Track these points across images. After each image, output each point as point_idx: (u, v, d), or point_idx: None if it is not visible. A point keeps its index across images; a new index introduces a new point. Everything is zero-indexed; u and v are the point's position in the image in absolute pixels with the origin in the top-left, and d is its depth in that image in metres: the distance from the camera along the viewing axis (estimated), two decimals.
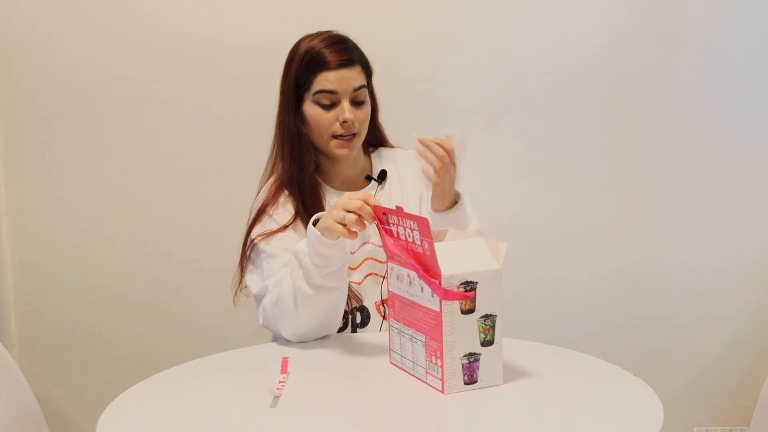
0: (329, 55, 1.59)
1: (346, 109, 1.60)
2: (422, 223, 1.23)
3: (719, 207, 2.34)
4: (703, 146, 2.31)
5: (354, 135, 1.63)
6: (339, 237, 1.40)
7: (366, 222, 1.37)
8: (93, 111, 2.26)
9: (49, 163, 2.29)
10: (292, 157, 1.64)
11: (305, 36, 1.66)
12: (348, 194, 1.40)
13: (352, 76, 1.60)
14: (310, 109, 1.62)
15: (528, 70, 2.28)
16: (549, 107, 2.29)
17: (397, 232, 1.31)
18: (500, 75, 2.28)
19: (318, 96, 1.60)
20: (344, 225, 1.38)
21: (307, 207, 1.63)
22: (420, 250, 1.25)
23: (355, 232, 1.39)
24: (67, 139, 2.27)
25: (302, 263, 1.46)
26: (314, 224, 1.44)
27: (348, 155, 1.65)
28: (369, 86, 1.68)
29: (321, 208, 1.62)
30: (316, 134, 1.64)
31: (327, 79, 1.59)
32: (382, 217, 1.34)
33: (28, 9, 2.22)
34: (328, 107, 1.61)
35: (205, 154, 2.27)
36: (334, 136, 1.63)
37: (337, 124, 1.61)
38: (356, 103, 1.62)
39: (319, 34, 1.65)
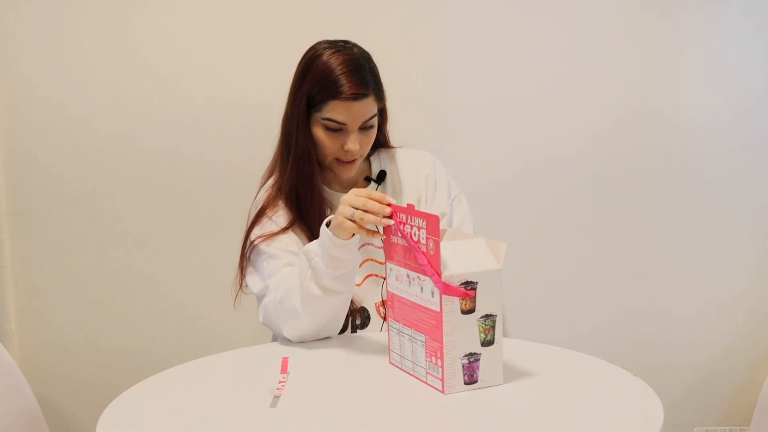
0: (344, 86, 1.54)
1: (351, 141, 1.58)
2: (432, 220, 1.23)
3: (719, 207, 2.34)
4: (702, 145, 2.32)
5: (355, 159, 1.63)
6: (351, 235, 1.40)
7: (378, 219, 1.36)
8: (94, 111, 2.26)
9: (49, 164, 2.29)
10: (297, 171, 1.62)
11: (324, 46, 1.60)
12: (354, 190, 1.40)
13: (364, 110, 1.57)
14: (317, 129, 1.60)
15: (527, 69, 2.28)
16: (546, 107, 2.29)
17: (402, 230, 1.31)
18: (498, 75, 2.28)
19: (326, 122, 1.58)
20: (354, 221, 1.38)
21: (310, 216, 1.63)
22: (424, 249, 1.25)
23: (369, 229, 1.38)
24: (67, 139, 2.27)
25: (312, 263, 1.45)
26: (327, 225, 1.44)
27: (349, 175, 1.66)
28: (380, 106, 1.65)
29: (323, 216, 1.61)
30: (319, 153, 1.63)
31: (337, 110, 1.56)
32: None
33: (32, 6, 2.22)
34: (334, 132, 1.59)
35: (206, 154, 2.27)
36: (336, 158, 1.63)
37: (342, 150, 1.60)
38: (364, 129, 1.61)
39: (338, 51, 1.58)
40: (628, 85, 2.29)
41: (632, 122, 2.30)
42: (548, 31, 2.27)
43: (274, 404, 1.22)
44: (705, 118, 2.31)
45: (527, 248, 2.32)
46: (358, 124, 1.58)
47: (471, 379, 1.24)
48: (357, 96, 1.55)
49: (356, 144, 1.58)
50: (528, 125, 2.30)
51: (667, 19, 2.26)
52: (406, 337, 1.32)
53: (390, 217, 1.34)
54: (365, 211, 1.36)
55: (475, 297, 1.23)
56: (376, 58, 1.64)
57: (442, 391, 1.24)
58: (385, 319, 1.66)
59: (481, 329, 1.24)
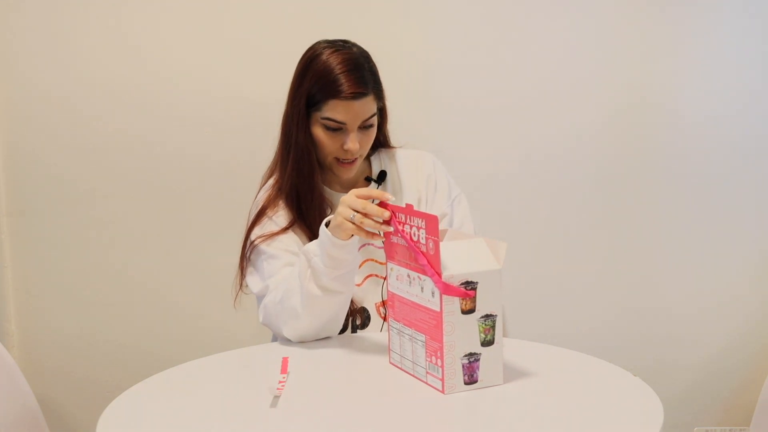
0: (343, 84, 1.54)
1: (350, 140, 1.58)
2: (430, 221, 1.23)
3: (719, 207, 2.34)
4: (703, 143, 2.32)
5: (356, 158, 1.63)
6: (350, 236, 1.40)
7: (378, 221, 1.36)
8: (94, 110, 2.26)
9: (49, 164, 2.28)
10: (298, 171, 1.62)
11: (323, 46, 1.61)
12: (354, 191, 1.39)
13: (363, 109, 1.57)
14: (317, 129, 1.60)
15: (527, 67, 2.28)
16: (546, 106, 2.29)
17: (402, 230, 1.31)
18: (497, 73, 2.28)
19: (326, 121, 1.58)
20: (354, 223, 1.38)
21: (310, 216, 1.63)
22: (424, 249, 1.25)
23: (368, 231, 1.38)
24: (67, 139, 2.27)
25: (312, 263, 1.45)
26: (326, 225, 1.44)
27: (349, 176, 1.66)
28: (380, 105, 1.65)
29: (324, 215, 1.61)
30: (319, 153, 1.64)
31: (337, 110, 1.56)
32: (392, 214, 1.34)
33: (32, 5, 2.22)
34: (334, 131, 1.59)
35: (206, 154, 2.27)
36: (336, 158, 1.63)
37: (341, 150, 1.60)
38: (363, 128, 1.61)
39: (337, 50, 1.59)
40: (629, 84, 2.28)
41: (632, 122, 2.30)
42: (548, 28, 2.27)
43: (274, 404, 1.22)
44: (706, 117, 2.30)
45: (527, 248, 2.32)
46: (358, 123, 1.58)
47: (471, 379, 1.24)
48: (356, 95, 1.55)
49: (356, 143, 1.58)
50: (528, 124, 2.29)
51: (667, 15, 2.26)
52: (407, 337, 1.32)
53: (389, 221, 1.33)
54: (364, 215, 1.36)
55: (475, 297, 1.23)
56: (377, 58, 1.64)
57: (442, 391, 1.24)
58: (385, 319, 1.66)
59: (481, 329, 1.24)
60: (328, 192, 1.69)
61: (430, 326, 1.25)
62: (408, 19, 2.25)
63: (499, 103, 2.29)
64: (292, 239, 1.62)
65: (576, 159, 2.31)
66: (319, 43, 1.63)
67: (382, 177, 1.72)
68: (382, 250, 1.65)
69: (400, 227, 1.30)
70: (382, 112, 1.69)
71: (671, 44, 2.27)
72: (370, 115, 1.59)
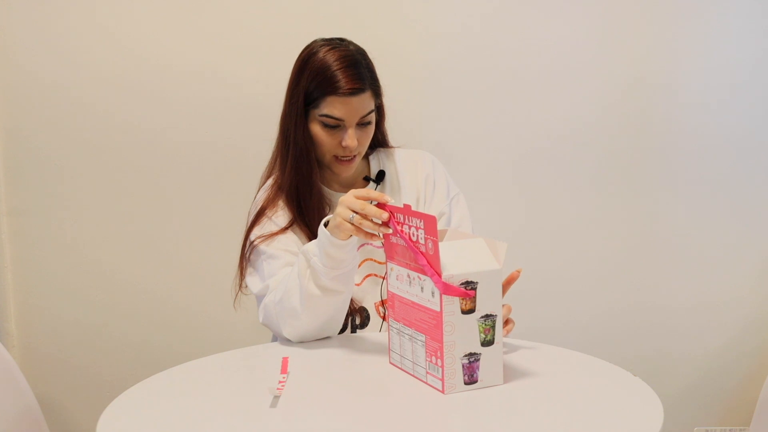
0: (340, 81, 1.55)
1: (349, 136, 1.58)
2: (429, 221, 1.23)
3: (719, 207, 2.34)
4: (702, 143, 2.32)
5: (354, 156, 1.63)
6: (349, 236, 1.40)
7: (376, 222, 1.36)
8: (94, 110, 2.26)
9: (49, 163, 2.29)
10: (297, 169, 1.63)
11: (320, 44, 1.61)
12: (353, 191, 1.39)
13: (361, 105, 1.58)
14: (315, 126, 1.61)
15: (526, 67, 2.28)
16: (547, 105, 2.29)
17: (401, 231, 1.31)
18: (497, 73, 2.28)
19: (324, 118, 1.59)
20: (353, 224, 1.38)
21: (310, 215, 1.63)
22: (423, 249, 1.25)
23: (367, 232, 1.38)
24: (67, 138, 2.27)
25: (311, 263, 1.45)
26: (325, 225, 1.44)
27: (347, 174, 1.66)
28: (377, 103, 1.65)
29: (323, 215, 1.62)
30: (318, 151, 1.64)
31: (335, 106, 1.57)
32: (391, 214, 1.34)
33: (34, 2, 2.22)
34: (332, 128, 1.60)
35: (206, 154, 2.27)
36: (335, 156, 1.63)
37: (340, 147, 1.61)
38: (361, 125, 1.61)
39: (334, 47, 1.59)
40: (630, 82, 2.29)
41: (634, 122, 2.30)
42: (547, 26, 2.27)
43: (274, 404, 1.22)
44: (708, 116, 2.30)
45: (528, 246, 2.32)
46: (356, 119, 1.59)
47: (471, 379, 1.24)
48: (354, 91, 1.56)
49: (354, 140, 1.59)
50: (527, 123, 2.30)
51: (667, 8, 2.26)
52: (406, 337, 1.32)
53: (387, 222, 1.34)
54: (363, 216, 1.36)
55: (475, 297, 1.23)
56: (376, 57, 1.65)
57: (442, 391, 1.24)
58: (384, 318, 1.66)
59: (481, 329, 1.24)
60: (327, 191, 1.69)
61: (430, 326, 1.25)
62: (407, 18, 2.25)
63: (498, 101, 2.29)
64: (292, 239, 1.62)
65: (576, 157, 2.31)
66: (315, 41, 1.63)
67: (380, 177, 1.72)
68: (382, 250, 1.65)
69: (399, 228, 1.30)
70: (380, 110, 1.69)
71: (672, 41, 2.27)
72: (367, 111, 1.60)
